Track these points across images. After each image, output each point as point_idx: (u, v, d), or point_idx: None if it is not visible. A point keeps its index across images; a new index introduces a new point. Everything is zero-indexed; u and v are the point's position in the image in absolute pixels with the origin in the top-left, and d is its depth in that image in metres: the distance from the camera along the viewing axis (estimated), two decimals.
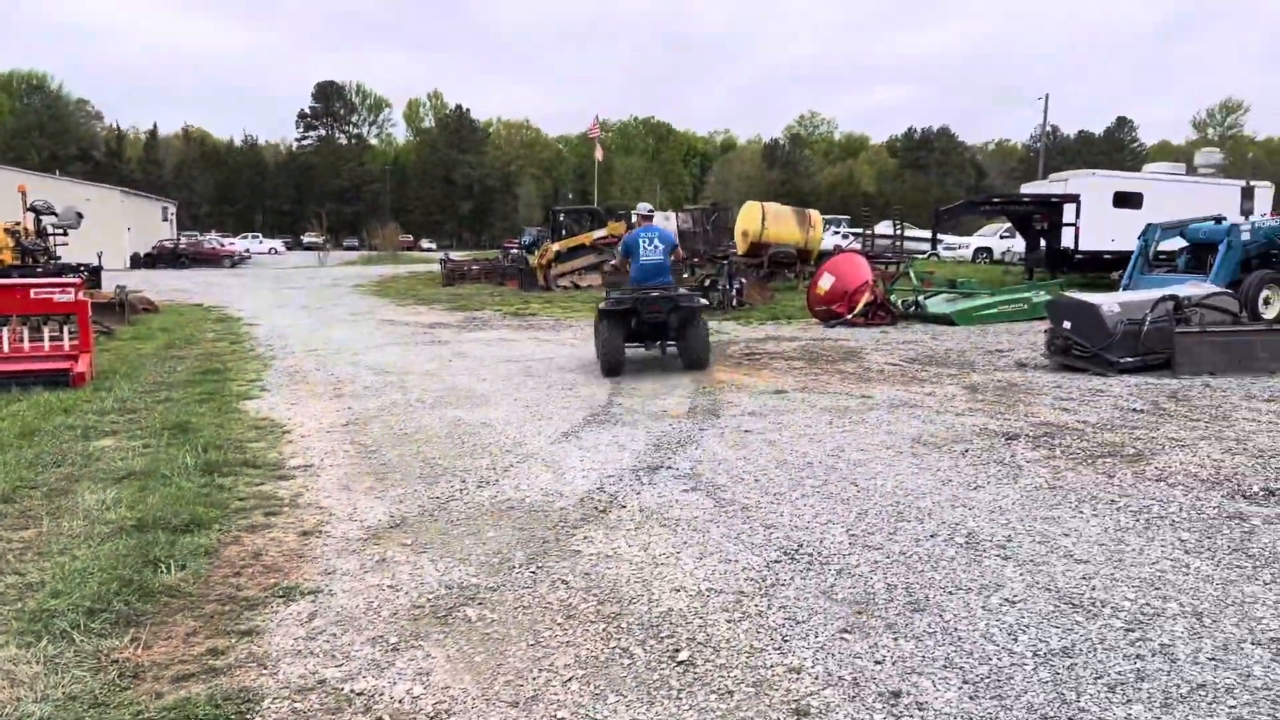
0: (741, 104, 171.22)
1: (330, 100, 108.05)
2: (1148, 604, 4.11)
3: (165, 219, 65.11)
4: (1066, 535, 5.01)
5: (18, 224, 20.68)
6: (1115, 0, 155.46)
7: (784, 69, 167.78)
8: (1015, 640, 3.77)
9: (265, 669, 3.56)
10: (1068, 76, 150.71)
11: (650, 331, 11.04)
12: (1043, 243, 23.43)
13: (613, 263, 26.22)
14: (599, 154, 54.94)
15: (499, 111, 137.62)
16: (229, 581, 4.42)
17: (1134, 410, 8.33)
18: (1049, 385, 9.72)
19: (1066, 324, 10.68)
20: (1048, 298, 14.94)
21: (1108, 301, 10.69)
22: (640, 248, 11.39)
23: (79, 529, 5.10)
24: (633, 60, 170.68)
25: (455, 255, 40.34)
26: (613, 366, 10.67)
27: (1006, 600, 4.17)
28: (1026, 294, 16.94)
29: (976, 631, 3.85)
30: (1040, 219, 23.14)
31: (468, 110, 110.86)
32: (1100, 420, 7.93)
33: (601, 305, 10.99)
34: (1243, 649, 3.67)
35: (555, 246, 27.85)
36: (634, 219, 11.79)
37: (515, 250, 38.24)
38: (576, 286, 26.98)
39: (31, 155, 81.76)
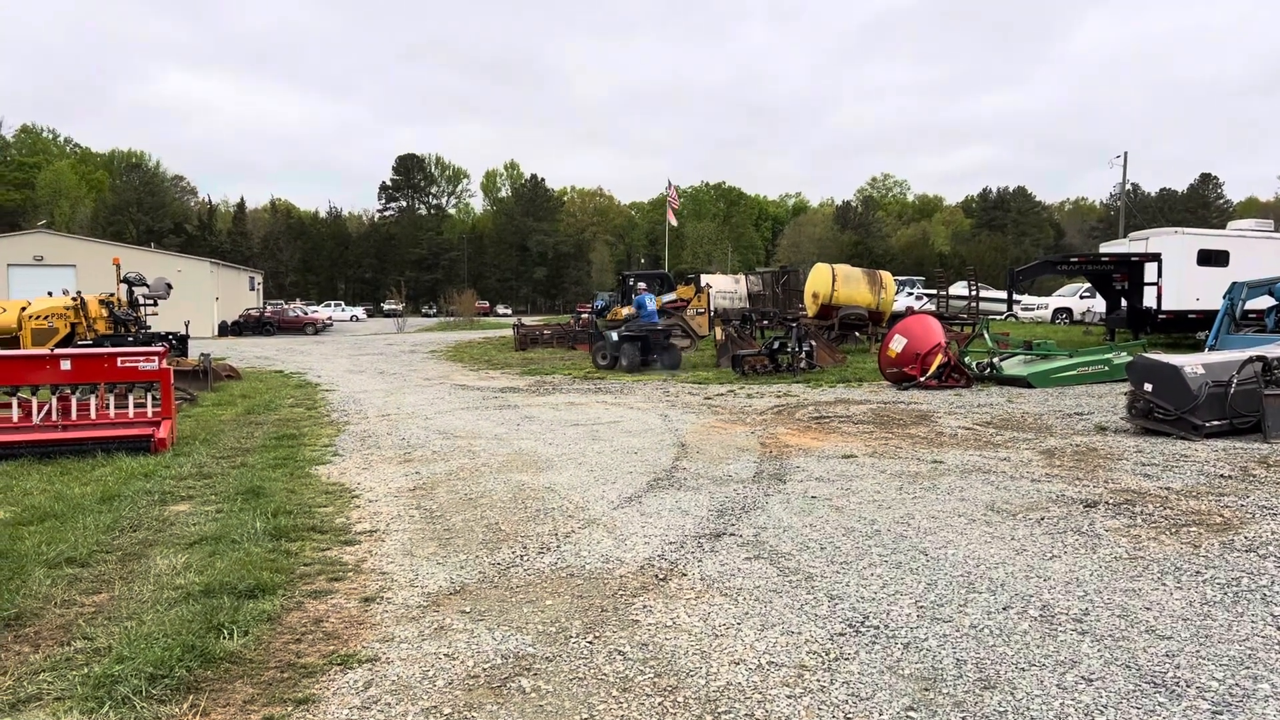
0: (815, 168, 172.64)
1: (411, 172, 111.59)
2: (1236, 684, 3.87)
3: (252, 288, 67.45)
4: (1148, 609, 4.78)
5: (111, 295, 21.57)
6: (1198, 59, 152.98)
7: (859, 133, 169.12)
8: None
9: None
10: (1150, 134, 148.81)
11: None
12: (1124, 303, 22.85)
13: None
14: (672, 219, 55.44)
15: (573, 179, 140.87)
16: (289, 648, 4.44)
17: (1221, 476, 7.97)
18: (1130, 450, 9.37)
19: (1148, 386, 10.32)
20: (1128, 359, 14.51)
21: (1191, 363, 10.31)
22: (646, 305, 22.03)
23: (148, 594, 5.19)
24: (706, 127, 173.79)
25: (528, 320, 40.89)
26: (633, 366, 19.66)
27: (1083, 678, 3.97)
28: (1106, 355, 16.46)
29: (1051, 711, 3.67)
30: (1120, 278, 22.57)
31: (542, 179, 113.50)
32: (1185, 487, 7.60)
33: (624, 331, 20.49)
34: None
35: (625, 311, 28.02)
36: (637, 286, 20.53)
37: (587, 315, 38.63)
38: None
39: (129, 229, 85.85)
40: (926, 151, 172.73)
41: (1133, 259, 22.75)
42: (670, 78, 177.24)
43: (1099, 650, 4.27)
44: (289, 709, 3.80)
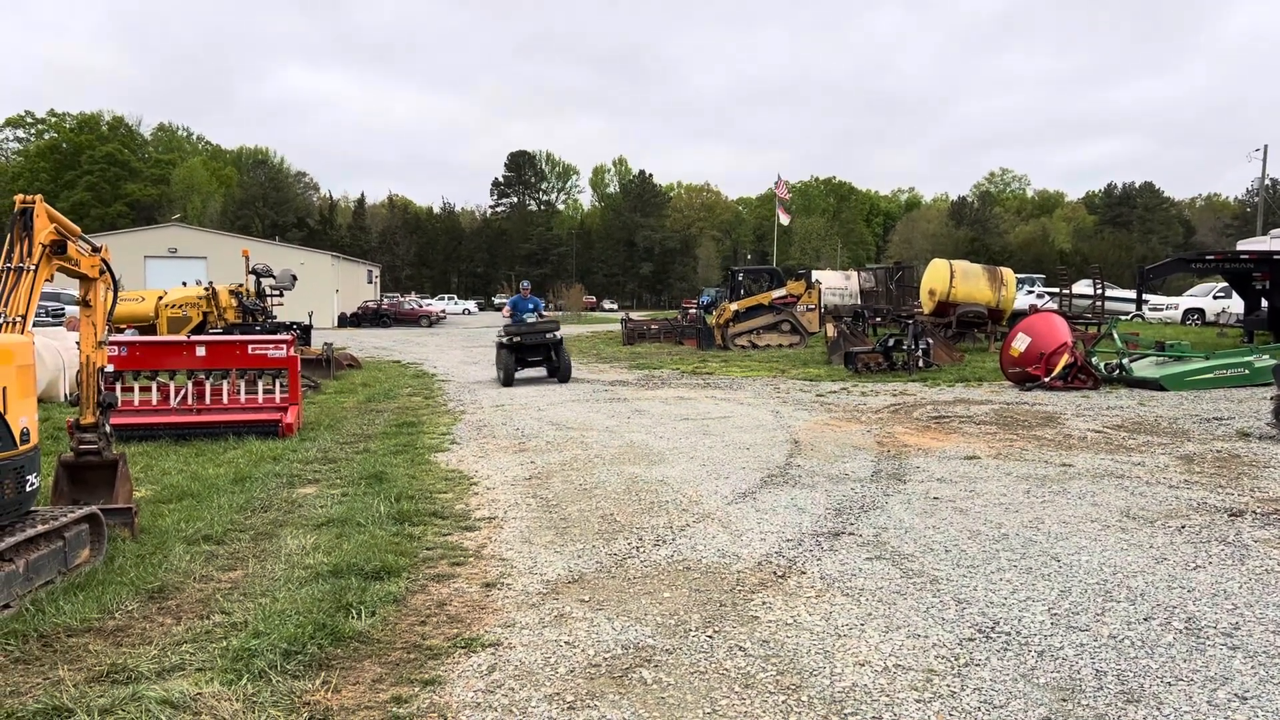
0: (934, 163, 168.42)
1: (522, 169, 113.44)
2: None
3: (369, 281, 69.63)
4: None
5: (240, 285, 22.51)
6: None
7: (984, 126, 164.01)
8: None
9: None
10: None
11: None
12: (1264, 303, 21.59)
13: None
14: (782, 216, 54.88)
15: (682, 174, 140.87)
16: (415, 630, 4.53)
17: None
18: (1277, 458, 8.82)
19: None
20: (1273, 362, 13.68)
21: None
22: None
23: (280, 572, 5.37)
24: (823, 121, 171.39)
25: (635, 315, 41.07)
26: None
27: (1236, 695, 3.74)
28: (1247, 358, 15.54)
29: None
30: (1262, 277, 21.32)
31: (650, 175, 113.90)
32: None
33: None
34: None
35: (733, 306, 27.87)
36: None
37: (693, 310, 38.56)
38: (754, 345, 26.85)
39: (255, 224, 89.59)
40: (1054, 145, 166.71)
41: (1275, 257, 21.47)
42: (790, 69, 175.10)
43: (1252, 667, 4.01)
44: (416, 689, 3.86)
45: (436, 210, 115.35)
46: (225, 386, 11.19)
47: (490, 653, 4.26)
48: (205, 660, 4.10)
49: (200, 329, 19.95)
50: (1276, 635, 4.36)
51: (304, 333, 21.18)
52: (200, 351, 10.97)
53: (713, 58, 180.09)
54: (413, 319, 55.10)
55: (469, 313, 76.54)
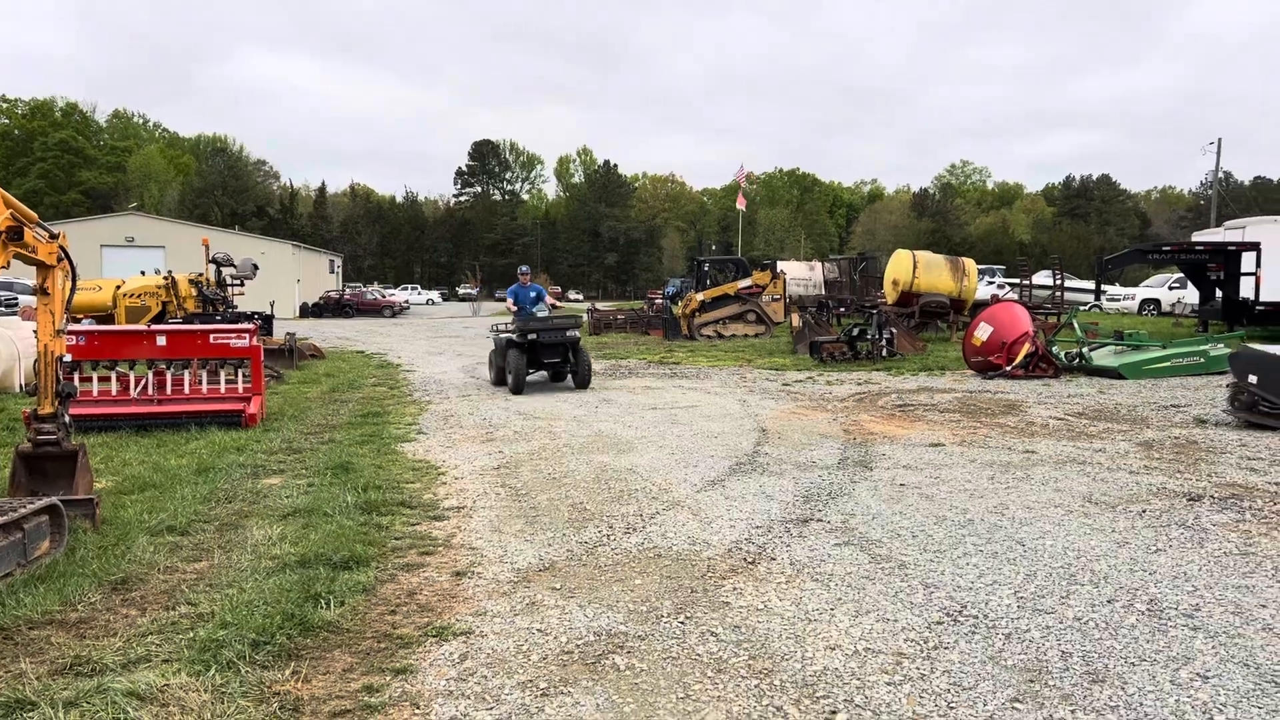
0: (901, 154, 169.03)
1: (486, 158, 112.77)
2: None
3: (332, 271, 68.92)
4: (1264, 606, 4.57)
5: (200, 275, 22.20)
6: None
7: (951, 117, 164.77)
8: None
9: (418, 709, 3.58)
10: (1246, 122, 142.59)
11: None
12: (1218, 293, 22.00)
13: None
14: (741, 202, 55.09)
15: (649, 164, 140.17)
16: (385, 619, 4.49)
17: None
18: (1233, 443, 9.01)
19: (1252, 378, 9.90)
20: (1226, 351, 13.96)
21: None
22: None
23: (247, 563, 5.31)
24: (791, 112, 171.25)
25: (601, 305, 40.99)
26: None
27: (1198, 675, 3.81)
28: (1203, 346, 15.84)
29: (1166, 708, 3.53)
30: (1216, 268, 21.72)
31: (615, 165, 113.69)
32: None
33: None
34: None
35: (699, 296, 27.92)
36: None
37: (659, 300, 38.57)
38: (720, 335, 26.93)
39: (214, 212, 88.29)
40: (1015, 137, 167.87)
41: (1229, 248, 21.87)
42: (759, 60, 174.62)
43: (1213, 647, 4.09)
44: (387, 678, 3.84)
45: (399, 199, 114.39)
46: (187, 376, 11.02)
47: (462, 641, 4.25)
48: (172, 651, 4.04)
49: (160, 318, 19.65)
50: (1235, 616, 4.45)
51: (266, 322, 20.93)
52: (161, 341, 10.79)
53: (680, 47, 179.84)
54: (375, 309, 54.67)
55: (432, 303, 76.03)
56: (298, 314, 51.14)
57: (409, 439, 9.87)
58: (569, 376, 14.68)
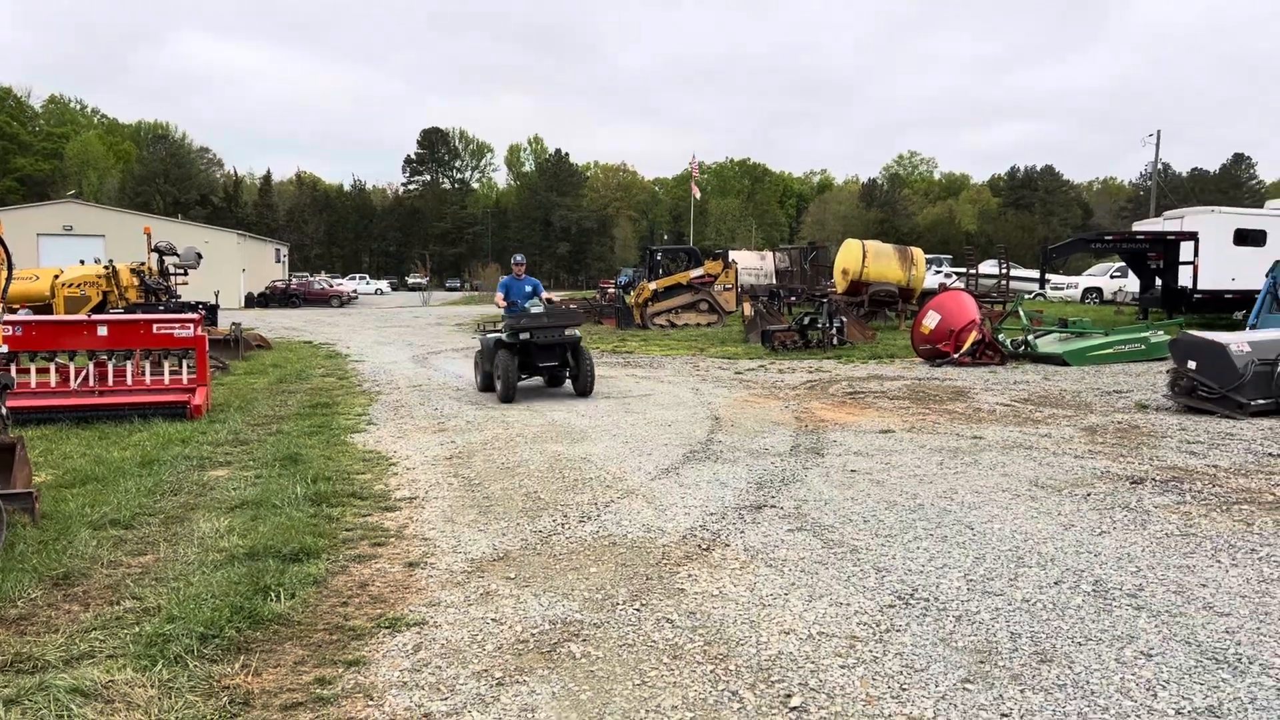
0: (848, 145, 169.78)
1: (435, 146, 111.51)
2: None
3: (278, 260, 67.85)
4: (1204, 585, 4.69)
5: (142, 264, 21.70)
6: (1256, 33, 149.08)
7: (903, 108, 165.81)
8: (1155, 697, 3.51)
9: (372, 700, 3.54)
10: (1184, 115, 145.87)
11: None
12: (1158, 282, 22.53)
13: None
14: (695, 190, 55.28)
15: (598, 153, 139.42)
16: (337, 611, 4.44)
17: (1270, 455, 7.83)
18: (1173, 428, 9.23)
19: (1191, 364, 10.15)
20: (1166, 337, 14.30)
21: (1236, 341, 10.13)
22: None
23: (193, 556, 5.21)
24: (743, 102, 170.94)
25: (553, 295, 40.85)
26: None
27: (1142, 653, 3.90)
28: (1143, 334, 16.23)
29: (1111, 686, 3.60)
30: (1155, 257, 22.26)
31: (567, 154, 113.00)
32: (1233, 465, 7.47)
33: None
34: None
35: (652, 285, 27.94)
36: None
37: (612, 290, 38.53)
38: (673, 324, 26.99)
39: (156, 201, 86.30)
40: (962, 128, 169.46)
41: (1168, 238, 22.41)
42: (713, 48, 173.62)
43: (1156, 626, 4.19)
44: (340, 670, 3.79)
45: (347, 188, 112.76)
46: (129, 367, 10.78)
47: (415, 632, 4.21)
48: (116, 647, 3.95)
49: (100, 309, 19.18)
50: (1177, 595, 4.56)
51: (210, 312, 20.55)
52: (102, 331, 10.52)
53: (632, 36, 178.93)
54: (323, 299, 53.88)
55: (381, 293, 75.14)
56: (243, 304, 50.25)
57: (359, 429, 9.76)
58: (569, 382, 12.70)
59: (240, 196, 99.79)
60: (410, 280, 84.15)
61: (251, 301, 51.54)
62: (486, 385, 12.75)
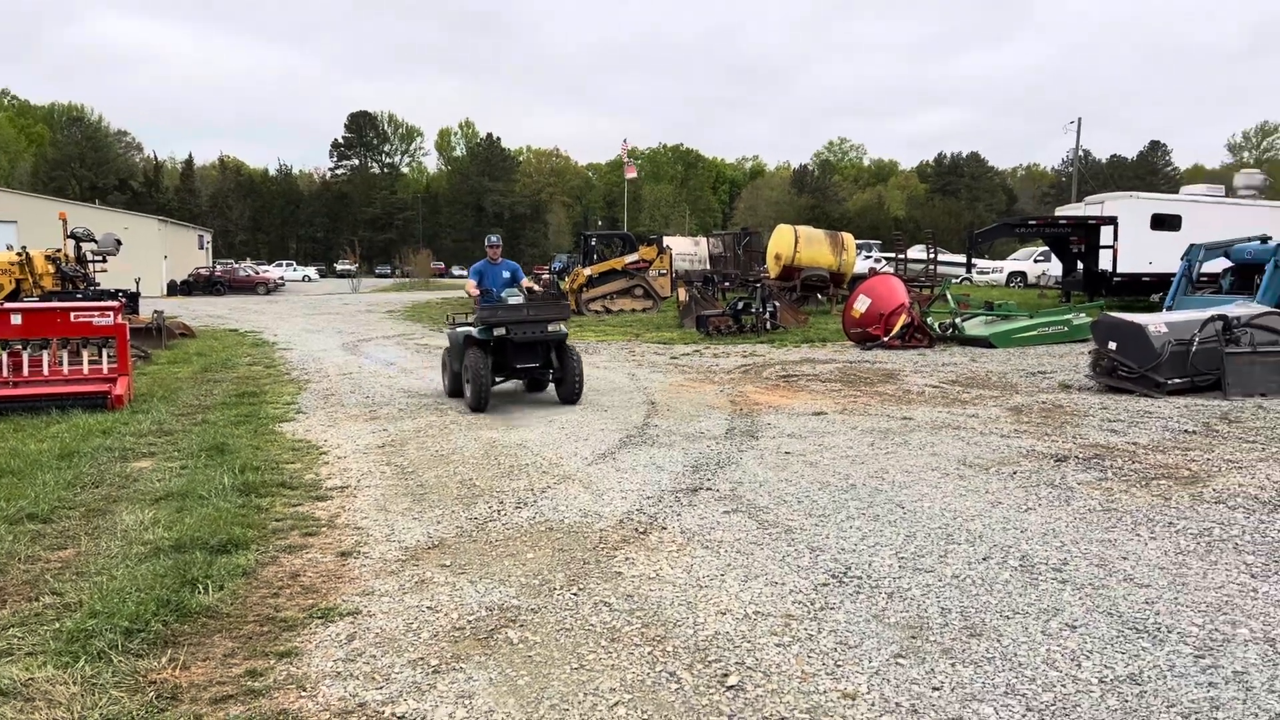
0: (783, 130, 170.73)
1: (363, 130, 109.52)
2: (1216, 629, 3.93)
3: (201, 247, 66.11)
4: (1125, 559, 4.84)
5: (58, 251, 20.95)
6: (1178, 23, 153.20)
7: (834, 93, 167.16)
8: (1079, 667, 3.61)
9: (305, 691, 3.48)
10: (1104, 102, 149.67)
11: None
12: (1080, 265, 23.13)
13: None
14: (629, 171, 55.29)
15: (533, 138, 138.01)
16: (267, 602, 4.35)
17: (1186, 432, 8.11)
18: (1095, 407, 9.51)
19: (1111, 345, 10.46)
20: (1088, 320, 14.70)
21: (1154, 322, 10.47)
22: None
23: (117, 549, 5.06)
24: (675, 87, 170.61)
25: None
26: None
27: (1067, 625, 4.01)
28: (1066, 316, 16.68)
29: (1038, 657, 3.70)
30: (1077, 241, 22.83)
31: (498, 139, 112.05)
32: (1151, 442, 7.72)
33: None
34: None
35: (587, 271, 27.87)
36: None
37: (546, 275, 38.35)
38: (608, 310, 26.96)
39: (72, 186, 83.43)
40: (890, 115, 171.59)
41: (1089, 222, 23.00)
42: (645, 32, 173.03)
43: (1080, 598, 4.31)
44: (271, 662, 3.72)
45: (272, 172, 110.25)
46: (45, 357, 10.42)
47: (349, 621, 4.15)
48: (36, 644, 3.83)
49: (14, 297, 18.47)
50: (1099, 568, 4.70)
51: (131, 300, 19.94)
52: (16, 320, 10.15)
53: (565, 19, 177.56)
54: (249, 286, 52.65)
55: (309, 280, 73.67)
56: (166, 292, 48.88)
57: (288, 418, 9.57)
58: (553, 387, 10.83)
59: (161, 181, 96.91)
60: (339, 267, 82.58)
61: (175, 289, 50.15)
62: (455, 389, 10.92)
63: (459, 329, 11.09)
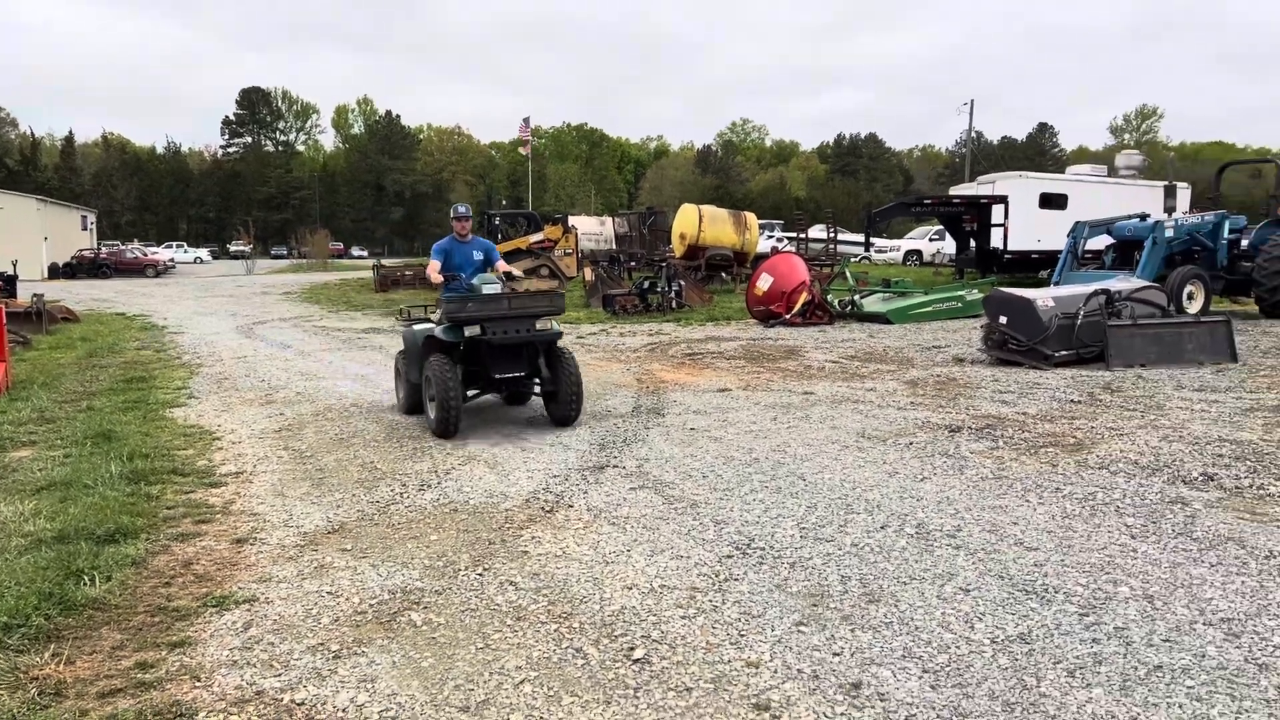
0: (688, 109, 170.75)
1: (256, 107, 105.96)
2: (1099, 589, 4.12)
3: (85, 228, 63.15)
4: (1015, 524, 5.02)
5: None
6: (1053, 10, 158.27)
7: (737, 73, 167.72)
8: (972, 628, 3.74)
9: (199, 681, 3.37)
10: (995, 84, 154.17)
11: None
12: (972, 243, 23.85)
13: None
14: (526, 150, 55.11)
15: (433, 116, 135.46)
16: (158, 592, 4.20)
17: (1071, 401, 8.45)
18: (987, 379, 9.83)
19: (1002, 319, 10.83)
20: (980, 296, 15.17)
21: (1042, 296, 10.87)
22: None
23: None
24: (579, 65, 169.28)
25: (388, 262, 39.72)
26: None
27: (960, 589, 4.15)
28: (960, 292, 17.21)
29: (933, 621, 3.82)
30: (970, 220, 23.52)
31: (398, 116, 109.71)
32: (1040, 412, 8.03)
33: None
34: (1195, 630, 3.68)
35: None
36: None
37: None
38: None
39: None
40: (798, 95, 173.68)
41: (981, 201, 23.71)
42: (549, 8, 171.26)
43: (973, 563, 4.46)
44: (163, 653, 3.59)
45: (160, 150, 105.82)
46: None
47: (245, 609, 4.03)
48: None
49: None
50: (991, 534, 4.87)
51: (8, 283, 18.99)
52: None
53: None
54: (137, 269, 50.50)
55: (201, 261, 71.15)
56: (47, 275, 46.58)
57: (179, 404, 9.24)
58: (544, 401, 8.22)
59: (39, 159, 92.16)
60: (233, 248, 79.88)
61: (56, 272, 47.81)
62: (414, 405, 8.46)
63: (417, 327, 8.57)
